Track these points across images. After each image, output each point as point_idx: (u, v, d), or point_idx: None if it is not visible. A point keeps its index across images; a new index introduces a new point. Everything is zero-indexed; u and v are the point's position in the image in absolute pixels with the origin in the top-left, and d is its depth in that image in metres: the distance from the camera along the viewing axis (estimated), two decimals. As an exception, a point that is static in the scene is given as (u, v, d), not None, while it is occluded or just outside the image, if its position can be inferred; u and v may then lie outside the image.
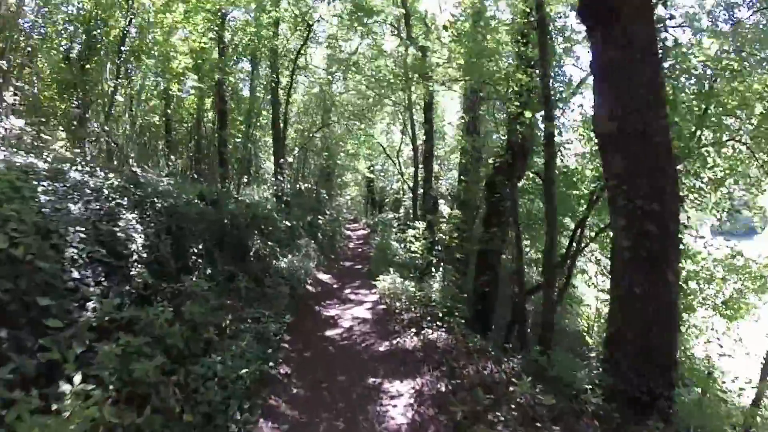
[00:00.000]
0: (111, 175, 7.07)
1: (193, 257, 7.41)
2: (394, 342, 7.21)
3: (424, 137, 18.12)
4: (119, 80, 12.45)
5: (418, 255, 11.49)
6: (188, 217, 7.67)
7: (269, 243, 10.49)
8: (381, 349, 7.00)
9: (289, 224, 12.38)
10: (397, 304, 8.93)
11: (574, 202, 10.31)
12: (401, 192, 22.99)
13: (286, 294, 8.73)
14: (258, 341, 6.17)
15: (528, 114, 8.25)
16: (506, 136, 10.41)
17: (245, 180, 16.05)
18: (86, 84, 11.55)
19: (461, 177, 13.57)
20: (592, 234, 10.37)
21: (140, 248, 6.11)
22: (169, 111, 17.05)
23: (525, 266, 10.87)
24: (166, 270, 6.49)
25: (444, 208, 20.15)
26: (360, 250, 18.61)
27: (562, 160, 11.65)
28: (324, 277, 12.44)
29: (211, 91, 14.74)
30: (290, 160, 13.34)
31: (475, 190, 13.69)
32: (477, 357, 6.54)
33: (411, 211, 21.17)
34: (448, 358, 6.39)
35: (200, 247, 7.66)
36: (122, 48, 11.90)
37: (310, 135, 18.63)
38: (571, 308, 14.42)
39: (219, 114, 14.64)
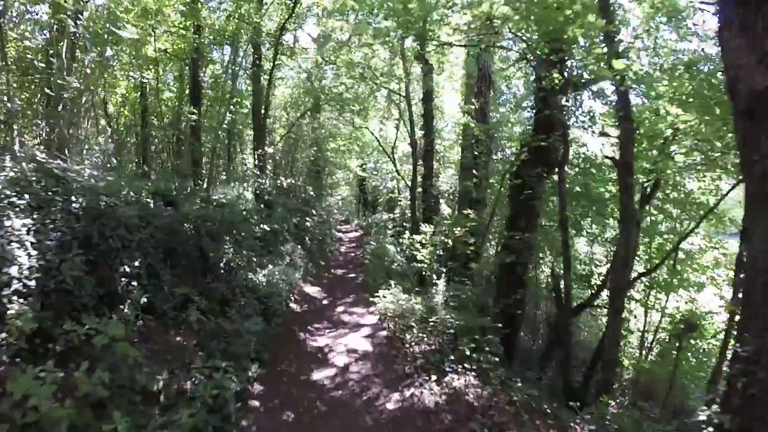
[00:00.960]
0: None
1: (125, 280, 5.23)
2: (407, 394, 5.10)
3: (423, 130, 16.08)
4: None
5: (425, 264, 9.39)
6: (122, 222, 5.49)
7: (245, 252, 8.32)
8: (390, 406, 4.87)
9: (269, 228, 10.20)
10: (405, 333, 6.83)
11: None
12: (396, 191, 20.95)
13: (261, 323, 6.58)
14: (210, 411, 4.02)
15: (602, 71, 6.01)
16: (535, 114, 8.36)
17: (223, 176, 13.83)
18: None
19: (473, 172, 11.50)
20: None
21: (27, 272, 3.96)
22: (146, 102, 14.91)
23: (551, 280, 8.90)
24: (74, 303, 4.32)
25: (444, 208, 18.11)
26: (353, 254, 16.47)
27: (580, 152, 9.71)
28: (312, 290, 10.28)
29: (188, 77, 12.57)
30: (270, 150, 11.10)
31: (486, 186, 11.68)
32: (528, 419, 4.48)
33: (408, 211, 19.09)
34: (488, 424, 4.32)
35: (137, 264, 5.48)
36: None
37: (295, 122, 16.32)
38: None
39: (192, 101, 12.38)
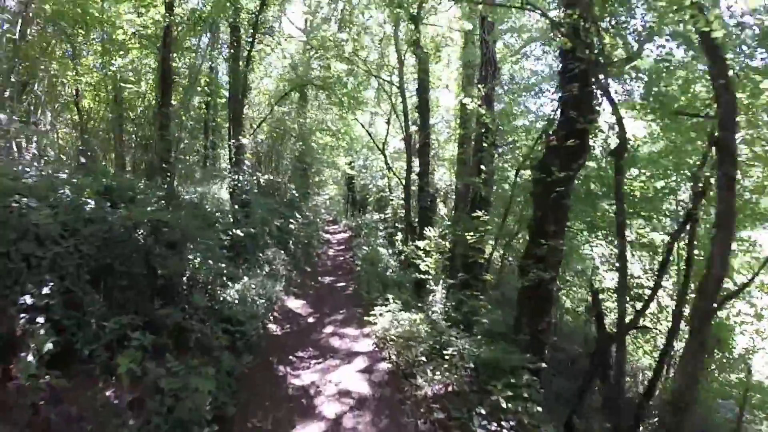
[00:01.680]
0: None
1: (25, 316, 3.65)
2: (426, 471, 3.61)
3: (419, 124, 14.61)
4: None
5: (431, 275, 7.90)
6: (30, 232, 3.91)
7: (210, 263, 6.71)
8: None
9: (246, 233, 8.62)
10: (413, 368, 5.34)
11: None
12: (388, 189, 19.46)
13: (227, 359, 5.02)
14: None
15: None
16: (562, 97, 6.92)
17: (197, 174, 12.15)
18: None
19: (481, 167, 10.02)
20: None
21: None
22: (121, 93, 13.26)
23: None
24: None
25: (440, 208, 16.68)
26: (342, 258, 14.91)
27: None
28: (296, 304, 8.72)
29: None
30: (245, 141, 9.48)
31: (491, 184, 10.25)
32: None
33: (401, 211, 17.61)
34: None
35: (47, 290, 3.88)
36: None
37: (276, 107, 14.62)
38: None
39: (162, 87, 10.63)
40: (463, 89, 16.26)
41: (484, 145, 9.77)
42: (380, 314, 7.09)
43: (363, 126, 17.25)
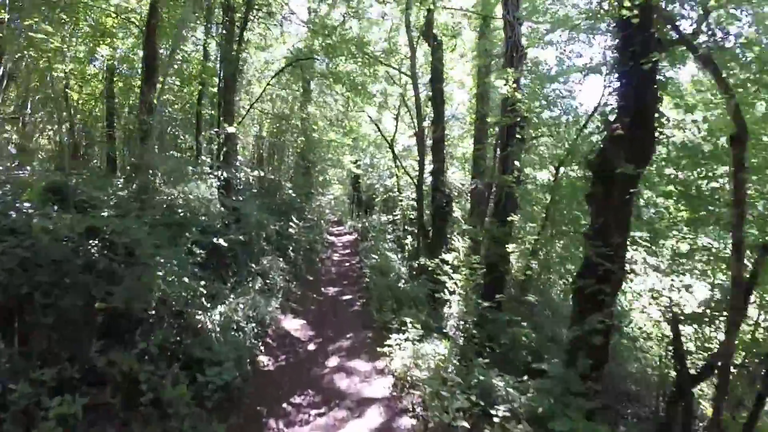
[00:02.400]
0: None
1: None
2: None
3: (431, 117, 13.16)
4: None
5: (460, 295, 6.42)
6: None
7: (188, 282, 5.28)
8: None
9: (232, 241, 7.18)
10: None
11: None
12: (396, 189, 17.99)
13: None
14: None
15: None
16: (623, 85, 5.47)
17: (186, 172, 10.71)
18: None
19: (508, 166, 8.53)
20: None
21: None
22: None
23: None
24: None
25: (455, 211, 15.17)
26: (348, 264, 13.46)
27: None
28: (294, 325, 7.26)
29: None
30: (231, 129, 8.00)
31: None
32: None
33: (411, 212, 16.13)
34: None
35: None
36: None
37: (268, 84, 13.08)
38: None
39: (146, 69, 9.17)
40: (478, 84, 14.85)
41: (518, 137, 8.28)
42: (397, 345, 5.63)
43: (371, 118, 15.71)
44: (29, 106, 13.43)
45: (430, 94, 13.35)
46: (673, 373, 5.34)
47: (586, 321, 4.92)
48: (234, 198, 8.50)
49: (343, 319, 7.72)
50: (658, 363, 5.62)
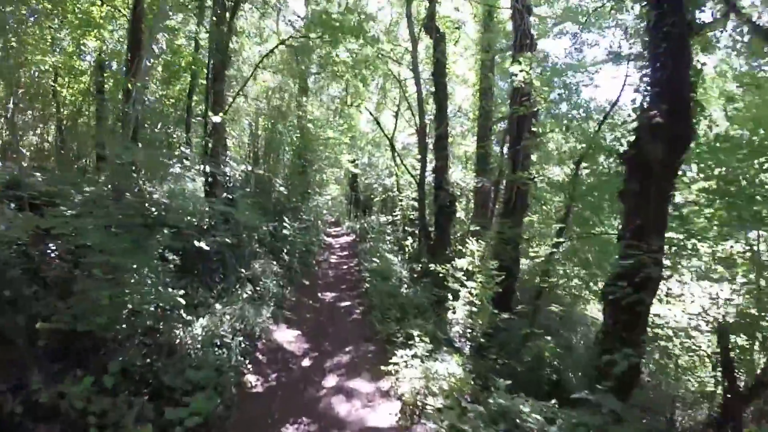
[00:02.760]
0: None
1: None
2: None
3: (434, 113, 12.46)
4: None
5: (477, 306, 5.69)
6: None
7: (163, 292, 4.55)
8: None
9: (219, 244, 6.44)
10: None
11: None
12: (396, 188, 17.29)
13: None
14: None
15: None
16: (656, 71, 4.78)
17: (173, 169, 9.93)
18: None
19: (512, 160, 7.83)
20: None
21: None
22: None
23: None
24: None
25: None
26: (346, 267, 12.73)
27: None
28: (287, 336, 6.53)
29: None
30: (216, 119, 7.23)
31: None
32: None
33: (412, 213, 15.43)
34: None
35: None
36: None
37: (257, 65, 12.22)
38: None
39: (131, 57, 8.38)
40: (481, 79, 14.20)
41: (533, 130, 7.58)
42: (404, 362, 4.92)
43: (370, 113, 14.98)
44: (12, 102, 12.64)
45: (432, 89, 12.70)
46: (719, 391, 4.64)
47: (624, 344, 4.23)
48: (223, 196, 7.75)
49: (341, 330, 6.99)
50: (698, 381, 4.93)
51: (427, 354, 5.18)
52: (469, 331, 7.00)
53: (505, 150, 11.36)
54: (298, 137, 14.78)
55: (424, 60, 14.24)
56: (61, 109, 12.45)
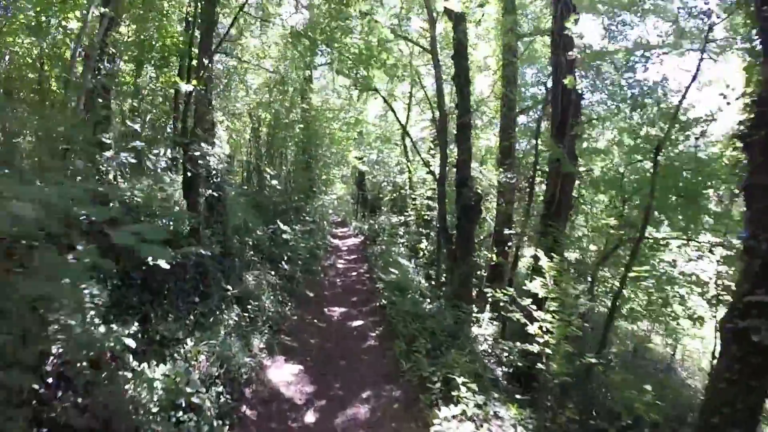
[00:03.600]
0: None
1: None
2: None
3: (455, 101, 10.86)
4: None
5: (551, 345, 4.05)
6: None
7: (91, 332, 2.99)
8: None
9: (196, 255, 4.89)
10: None
11: None
12: (408, 186, 15.69)
13: None
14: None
15: None
16: None
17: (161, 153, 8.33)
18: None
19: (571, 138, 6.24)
20: None
21: None
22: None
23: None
24: None
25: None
26: (355, 273, 11.16)
27: None
28: (285, 375, 4.95)
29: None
30: (186, 88, 5.62)
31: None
32: None
33: (426, 213, 13.85)
34: None
35: None
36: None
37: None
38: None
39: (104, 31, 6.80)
40: (504, 64, 12.61)
41: (583, 118, 6.00)
42: (449, 429, 3.35)
43: (382, 98, 13.34)
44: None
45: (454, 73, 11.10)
46: None
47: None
48: (207, 194, 6.18)
49: (355, 362, 5.41)
50: None
51: (478, 407, 3.62)
52: (504, 355, 5.47)
53: (536, 141, 9.76)
54: (302, 128, 13.20)
55: (442, 44, 12.68)
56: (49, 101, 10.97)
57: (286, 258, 8.08)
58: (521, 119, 14.07)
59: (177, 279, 4.85)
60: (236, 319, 5.03)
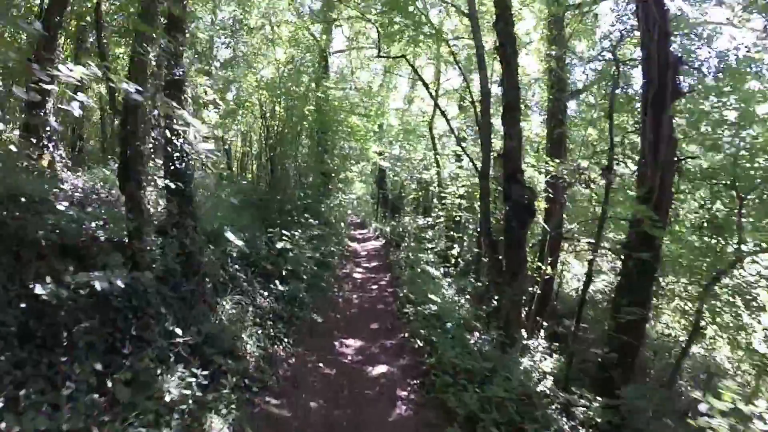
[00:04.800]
0: None
1: None
2: None
3: (500, 78, 8.68)
4: None
5: None
6: None
7: None
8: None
9: (125, 284, 2.83)
10: None
11: None
12: (437, 183, 13.44)
13: None
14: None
15: None
16: None
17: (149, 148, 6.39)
18: None
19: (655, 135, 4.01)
20: None
21: None
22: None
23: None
24: None
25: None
26: (375, 287, 9.04)
27: None
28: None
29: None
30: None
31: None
32: None
33: (460, 214, 11.66)
34: None
35: None
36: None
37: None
38: None
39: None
40: (551, 38, 10.40)
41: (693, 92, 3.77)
42: None
43: (412, 66, 11.15)
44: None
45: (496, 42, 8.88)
46: None
47: None
48: (172, 187, 4.19)
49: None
50: None
51: None
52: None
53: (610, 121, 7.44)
54: (316, 117, 11.16)
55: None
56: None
57: (285, 273, 6.02)
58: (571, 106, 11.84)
59: (85, 321, 2.85)
60: (180, 391, 2.98)
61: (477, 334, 5.31)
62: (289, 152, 10.91)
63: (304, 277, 6.44)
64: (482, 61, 8.23)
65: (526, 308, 7.55)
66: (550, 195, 9.45)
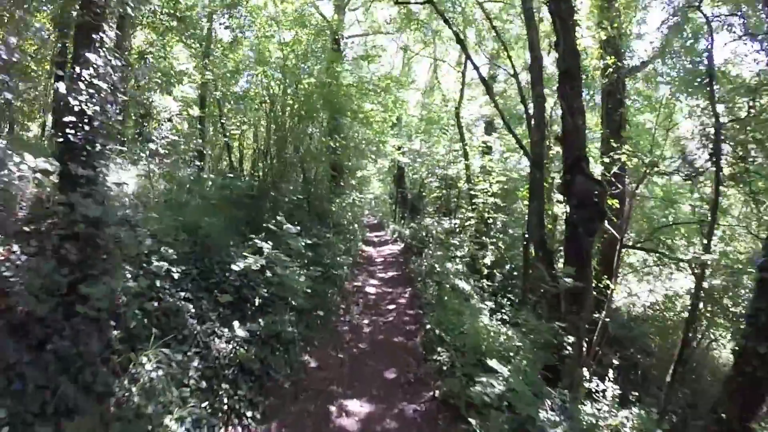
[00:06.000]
0: None
1: None
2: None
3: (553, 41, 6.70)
4: None
5: None
6: None
7: None
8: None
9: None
10: None
11: None
12: (465, 179, 11.36)
13: None
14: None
15: None
16: None
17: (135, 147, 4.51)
18: None
19: None
20: None
21: None
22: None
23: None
24: None
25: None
26: (392, 308, 7.09)
27: None
28: None
29: None
30: None
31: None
32: None
33: (491, 213, 9.62)
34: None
35: None
36: None
37: None
38: None
39: None
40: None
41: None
42: None
43: (443, 16, 9.15)
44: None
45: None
46: None
47: None
48: (76, 172, 2.39)
49: None
50: None
51: None
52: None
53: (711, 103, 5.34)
54: (324, 99, 9.28)
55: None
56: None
57: (261, 298, 4.14)
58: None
59: None
60: None
61: (551, 403, 3.33)
62: (290, 140, 9.05)
63: (294, 303, 4.54)
64: (530, 13, 6.23)
65: (586, 339, 5.51)
66: (613, 192, 7.31)
